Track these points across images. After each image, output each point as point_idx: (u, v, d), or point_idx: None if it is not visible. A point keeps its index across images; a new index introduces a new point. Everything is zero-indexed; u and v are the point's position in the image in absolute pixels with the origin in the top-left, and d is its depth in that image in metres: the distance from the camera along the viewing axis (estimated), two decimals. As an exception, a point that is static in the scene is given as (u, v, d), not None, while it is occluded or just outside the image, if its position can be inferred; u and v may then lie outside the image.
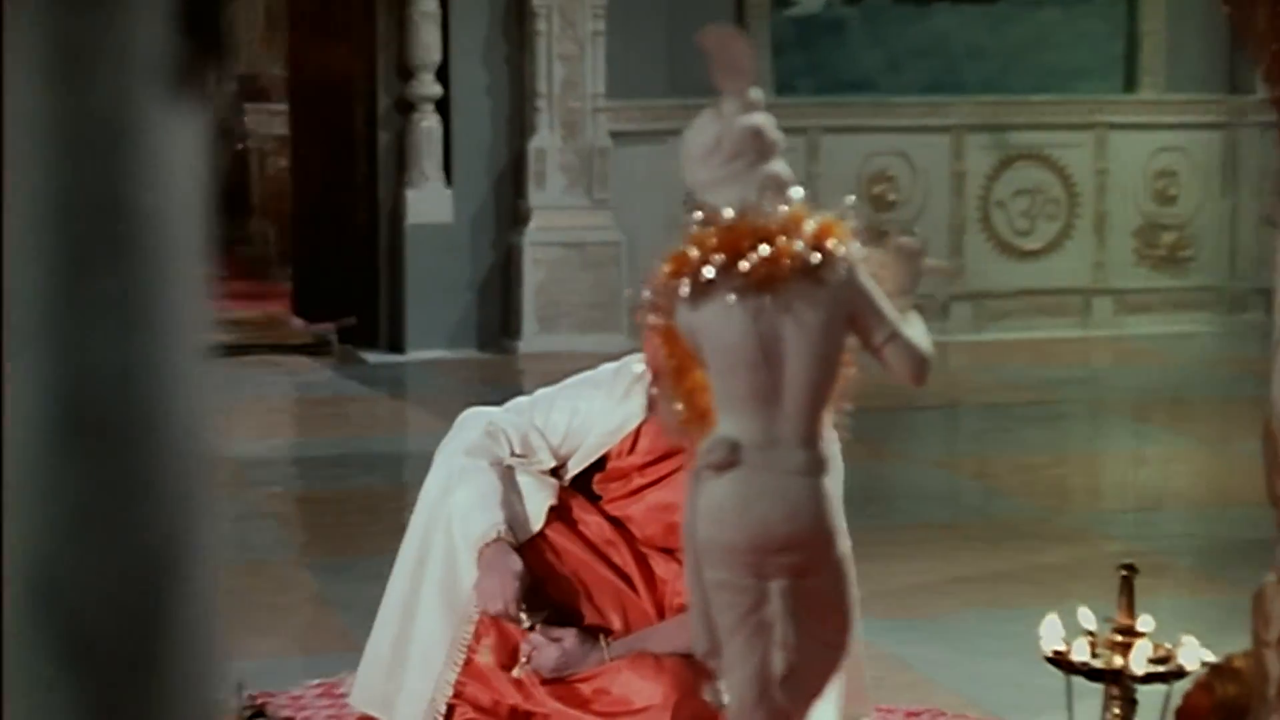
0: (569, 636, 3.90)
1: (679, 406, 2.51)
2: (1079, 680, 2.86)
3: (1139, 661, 2.69)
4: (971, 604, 5.41)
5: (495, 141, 10.08)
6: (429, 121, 9.95)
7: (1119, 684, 2.75)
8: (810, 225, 2.49)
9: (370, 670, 4.10)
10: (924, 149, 10.61)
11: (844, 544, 2.55)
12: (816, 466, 2.50)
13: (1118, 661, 2.76)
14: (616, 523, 4.05)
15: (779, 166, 2.56)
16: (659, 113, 10.20)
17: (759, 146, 2.53)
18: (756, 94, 2.56)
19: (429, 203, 9.97)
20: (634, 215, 10.13)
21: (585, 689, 3.89)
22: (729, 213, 2.44)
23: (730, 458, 2.45)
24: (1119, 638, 2.80)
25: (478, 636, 3.95)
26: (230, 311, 11.58)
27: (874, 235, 2.58)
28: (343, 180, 10.06)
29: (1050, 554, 6.17)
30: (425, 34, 9.86)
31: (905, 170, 10.62)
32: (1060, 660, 2.88)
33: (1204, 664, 2.67)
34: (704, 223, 2.48)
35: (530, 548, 3.97)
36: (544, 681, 3.91)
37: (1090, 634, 2.87)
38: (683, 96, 10.22)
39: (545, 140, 9.99)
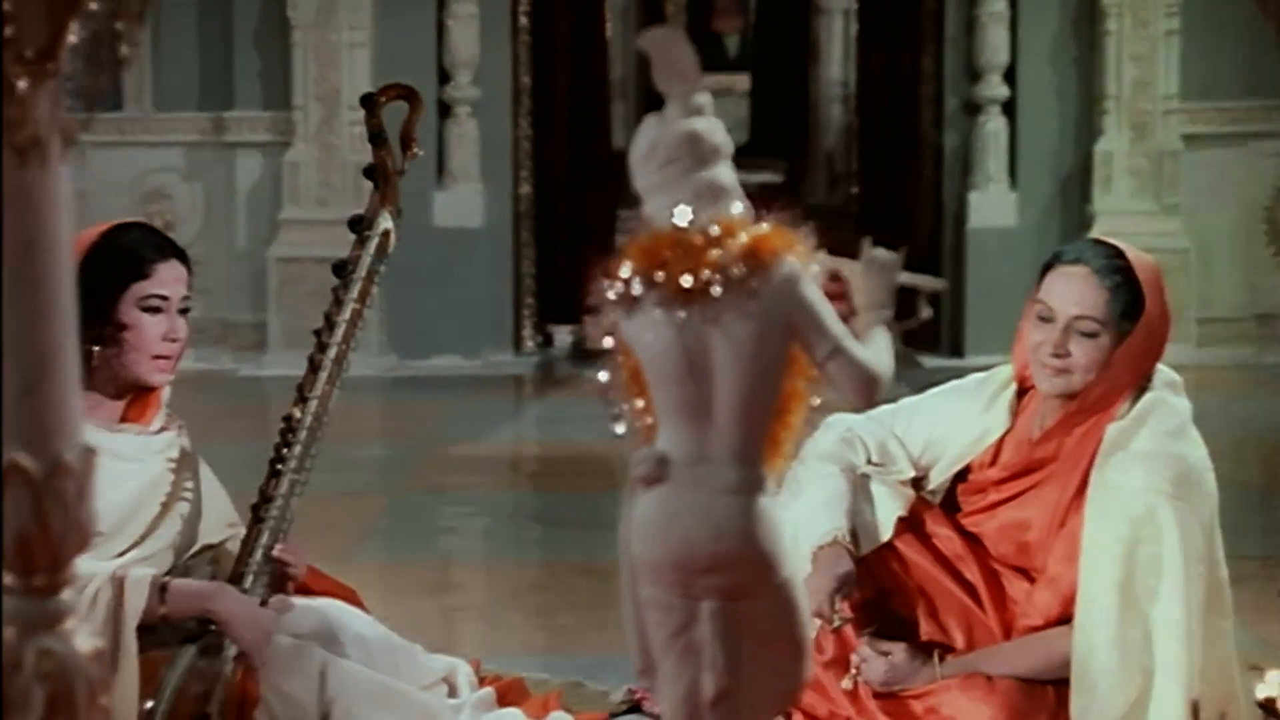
0: (898, 650, 3.80)
1: (631, 417, 2.42)
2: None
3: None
4: None
5: (1061, 144, 9.86)
6: (995, 123, 9.81)
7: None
8: (745, 236, 2.36)
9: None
10: None
11: (789, 567, 2.39)
12: (751, 486, 2.36)
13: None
14: (972, 537, 3.92)
15: (719, 174, 2.43)
16: (1236, 115, 9.77)
17: (695, 153, 2.41)
18: (701, 98, 2.45)
19: (992, 206, 9.83)
20: (1205, 222, 9.75)
21: (917, 706, 3.78)
22: (659, 221, 2.34)
23: (656, 472, 2.34)
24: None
25: (819, 645, 3.90)
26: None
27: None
28: (909, 182, 10.03)
29: None
30: (993, 35, 9.73)
31: None
32: (1268, 707, 2.64)
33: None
34: (638, 231, 2.39)
35: (877, 557, 3.89)
36: (876, 695, 3.82)
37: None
38: (1263, 98, 9.77)
39: (1113, 143, 9.70)
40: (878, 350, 2.50)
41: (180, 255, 3.89)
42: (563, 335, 10.45)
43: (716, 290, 2.25)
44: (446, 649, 4.75)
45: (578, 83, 10.24)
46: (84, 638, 1.92)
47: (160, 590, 3.60)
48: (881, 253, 2.65)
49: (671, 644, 2.35)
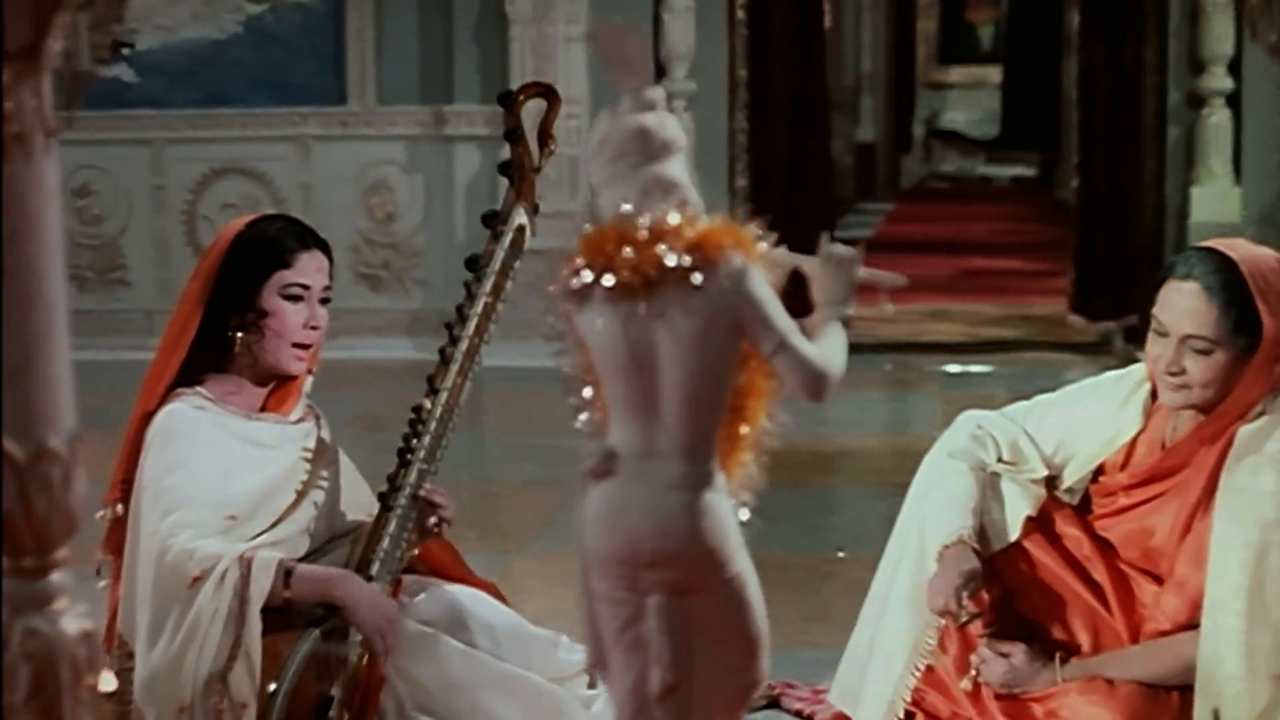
0: (1017, 652, 3.75)
1: (591, 410, 2.40)
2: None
3: None
4: None
5: (1288, 138, 9.60)
6: (1218, 116, 9.59)
7: None
8: (692, 231, 2.32)
9: (848, 667, 4.07)
10: None
11: (738, 563, 2.35)
12: (697, 481, 2.32)
13: None
14: (1102, 539, 3.85)
15: (669, 169, 2.40)
16: None
17: (644, 148, 2.38)
18: (655, 92, 2.41)
19: (1215, 201, 9.61)
20: None
21: (1038, 709, 3.73)
22: (609, 215, 2.32)
23: (604, 466, 2.33)
24: None
25: (942, 645, 3.86)
26: (1015, 306, 11.55)
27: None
28: (1130, 176, 9.84)
29: None
30: (1218, 25, 9.51)
31: None
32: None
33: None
34: (591, 224, 2.37)
35: (1004, 557, 3.84)
36: (998, 697, 3.77)
37: None
38: None
39: (1342, 136, 9.44)
40: (830, 347, 2.47)
41: (322, 246, 3.97)
42: (778, 328, 10.43)
43: (653, 281, 2.25)
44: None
45: (796, 76, 10.21)
46: (72, 619, 1.97)
47: (285, 574, 3.68)
48: (840, 248, 2.61)
49: (620, 637, 2.35)
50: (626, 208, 2.33)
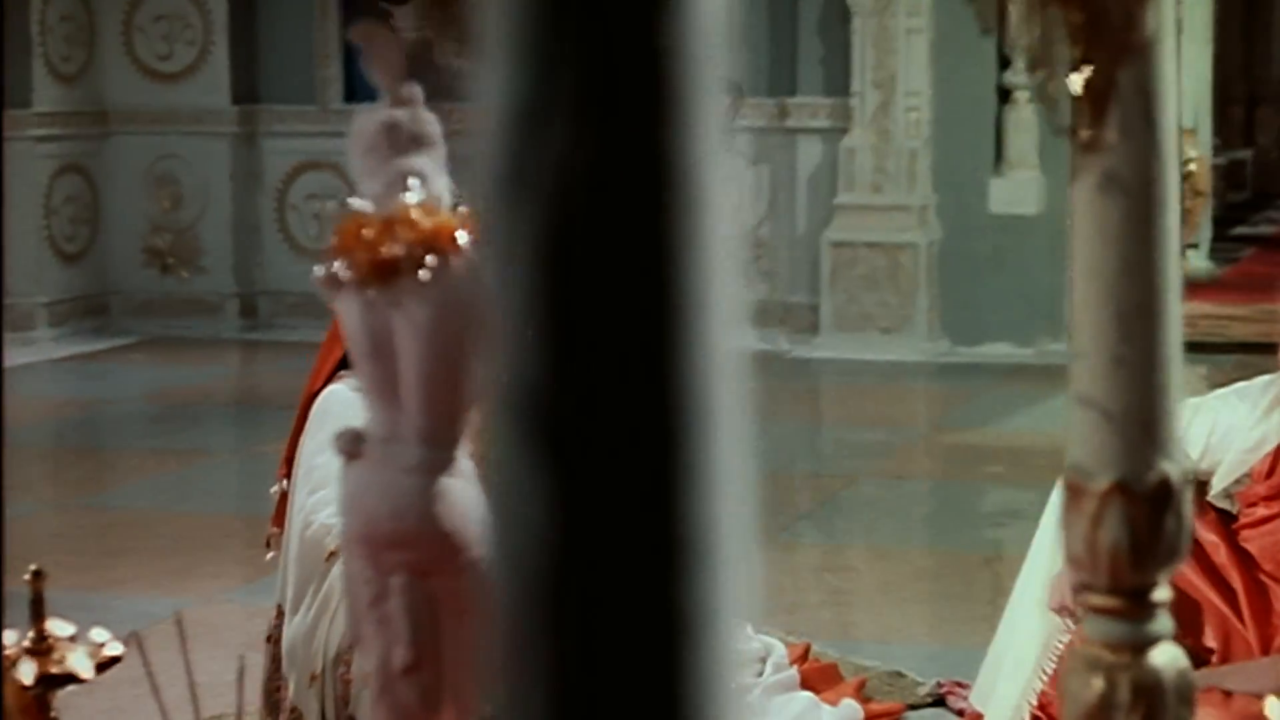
0: (1131, 659, 3.64)
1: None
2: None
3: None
4: None
5: None
6: None
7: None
8: (428, 222, 2.31)
9: (987, 669, 4.02)
10: None
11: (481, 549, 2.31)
12: (436, 467, 2.32)
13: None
14: (1242, 547, 3.73)
15: (416, 163, 2.38)
16: None
17: (391, 141, 2.37)
18: (410, 89, 2.40)
19: None
20: None
21: (1155, 717, 3.62)
22: (356, 208, 2.32)
23: (351, 448, 2.34)
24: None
25: (1071, 647, 3.78)
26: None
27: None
28: None
29: None
30: None
31: None
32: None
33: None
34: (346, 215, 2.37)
35: (1137, 561, 3.74)
36: (1118, 703, 3.68)
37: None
38: None
39: None
40: None
41: None
42: (1125, 326, 10.20)
43: (346, 270, 2.29)
44: (801, 630, 4.81)
45: (1147, 67, 9.96)
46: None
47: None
48: None
49: (369, 615, 2.40)
50: (363, 202, 2.39)
